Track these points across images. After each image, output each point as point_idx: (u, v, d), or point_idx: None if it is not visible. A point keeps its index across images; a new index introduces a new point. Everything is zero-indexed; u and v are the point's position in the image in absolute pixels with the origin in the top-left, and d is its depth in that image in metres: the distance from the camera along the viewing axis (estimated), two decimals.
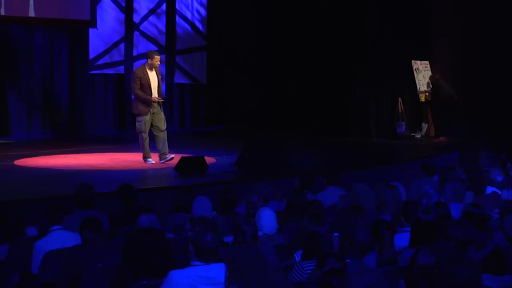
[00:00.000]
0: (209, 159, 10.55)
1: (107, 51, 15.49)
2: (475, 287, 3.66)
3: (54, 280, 5.14)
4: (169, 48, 16.32)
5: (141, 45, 15.94)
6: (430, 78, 15.42)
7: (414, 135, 15.71)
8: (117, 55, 15.70)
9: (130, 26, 15.83)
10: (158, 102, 10.42)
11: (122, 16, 15.74)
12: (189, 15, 16.71)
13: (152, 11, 16.19)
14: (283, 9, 16.76)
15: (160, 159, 10.54)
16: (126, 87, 15.84)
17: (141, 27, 16.03)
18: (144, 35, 16.06)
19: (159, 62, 10.54)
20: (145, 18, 16.08)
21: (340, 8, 15.74)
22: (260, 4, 17.38)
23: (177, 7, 16.49)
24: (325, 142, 14.87)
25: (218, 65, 17.07)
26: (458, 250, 4.55)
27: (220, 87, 17.17)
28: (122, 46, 15.74)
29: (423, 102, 15.78)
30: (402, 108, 15.69)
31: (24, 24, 14.54)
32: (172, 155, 10.41)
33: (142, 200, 7.29)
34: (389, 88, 15.81)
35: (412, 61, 15.46)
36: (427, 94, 15.54)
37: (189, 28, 16.72)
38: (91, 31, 15.20)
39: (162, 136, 10.50)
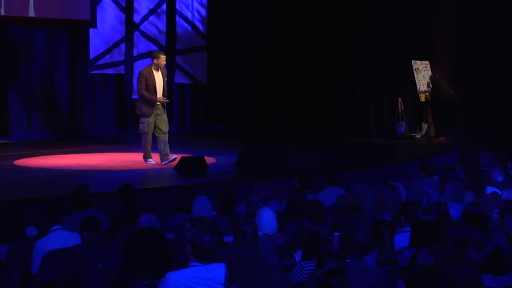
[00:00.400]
0: (209, 159, 10.55)
1: (107, 51, 15.49)
2: (475, 287, 3.67)
3: (54, 280, 5.13)
4: (169, 48, 16.31)
5: (141, 45, 15.95)
6: (430, 78, 15.41)
7: (414, 135, 15.70)
8: (118, 55, 15.70)
9: (130, 26, 15.83)
10: (162, 104, 10.44)
11: (122, 16, 15.75)
12: (189, 15, 16.71)
13: (152, 11, 16.19)
14: (283, 9, 16.74)
15: (162, 160, 10.52)
16: (127, 87, 15.88)
17: (141, 27, 16.03)
18: (144, 35, 16.06)
19: (164, 62, 10.58)
20: (145, 18, 16.09)
21: (340, 8, 15.73)
22: (260, 4, 17.38)
23: (177, 7, 16.50)
24: (325, 142, 14.86)
25: (218, 65, 17.07)
26: (458, 250, 4.56)
27: (220, 87, 17.18)
28: (122, 46, 15.75)
29: (423, 102, 15.77)
30: (402, 108, 15.68)
31: (24, 24, 14.54)
32: (175, 156, 10.41)
33: (142, 200, 7.28)
34: (389, 88, 15.80)
35: (412, 61, 15.45)
36: (427, 94, 15.53)
37: (189, 28, 16.72)
38: (91, 31, 15.20)
39: (163, 138, 10.50)
